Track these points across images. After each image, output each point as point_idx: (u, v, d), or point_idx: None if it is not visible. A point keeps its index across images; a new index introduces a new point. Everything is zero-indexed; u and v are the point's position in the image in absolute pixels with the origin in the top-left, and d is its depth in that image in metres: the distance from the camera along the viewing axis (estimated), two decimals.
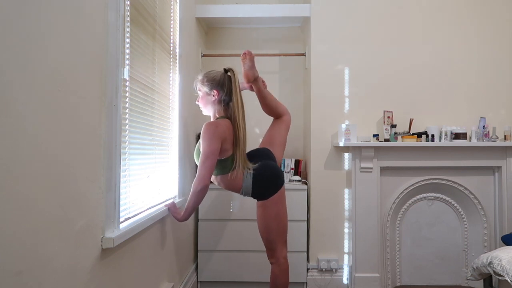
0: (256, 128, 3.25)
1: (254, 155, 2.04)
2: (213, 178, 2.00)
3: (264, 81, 2.19)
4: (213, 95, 1.96)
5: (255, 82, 2.11)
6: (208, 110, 2.03)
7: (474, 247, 2.83)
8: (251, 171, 1.94)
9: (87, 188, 1.18)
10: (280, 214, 1.97)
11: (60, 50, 1.03)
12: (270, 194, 1.95)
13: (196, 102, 2.08)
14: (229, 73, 1.99)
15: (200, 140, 1.86)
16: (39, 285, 0.94)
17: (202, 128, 1.85)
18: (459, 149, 2.74)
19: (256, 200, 2.01)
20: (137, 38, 1.65)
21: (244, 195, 2.00)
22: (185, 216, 1.91)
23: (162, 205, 1.97)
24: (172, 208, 1.96)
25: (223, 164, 1.92)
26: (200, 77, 2.01)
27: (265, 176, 1.95)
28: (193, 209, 1.90)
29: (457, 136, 2.71)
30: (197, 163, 1.92)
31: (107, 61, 1.32)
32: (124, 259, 1.47)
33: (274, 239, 1.98)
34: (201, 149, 1.85)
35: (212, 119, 2.03)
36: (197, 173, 1.83)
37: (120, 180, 1.39)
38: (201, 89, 2.01)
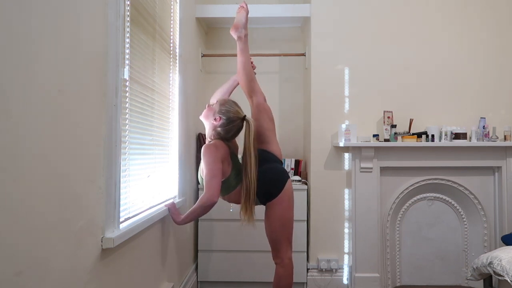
0: None
1: None
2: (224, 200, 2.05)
3: (253, 62, 2.22)
4: (215, 119, 1.96)
5: (239, 39, 2.10)
6: (206, 124, 2.05)
7: (474, 247, 2.83)
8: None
9: (87, 188, 1.18)
10: (284, 214, 1.97)
11: (60, 50, 1.03)
12: (273, 196, 1.95)
13: (206, 105, 2.07)
14: (245, 121, 1.97)
15: (202, 163, 1.87)
16: (39, 285, 0.94)
17: (202, 150, 1.86)
18: (459, 149, 2.74)
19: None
20: (137, 38, 1.65)
21: (255, 205, 2.00)
22: (184, 221, 1.93)
23: (162, 205, 1.97)
24: (172, 209, 1.96)
25: (225, 185, 1.94)
26: (224, 99, 2.04)
27: (264, 183, 1.94)
28: (194, 219, 1.95)
29: (457, 136, 2.71)
30: (201, 183, 1.95)
31: (107, 61, 1.32)
32: (124, 259, 1.47)
33: (278, 239, 1.98)
34: (204, 167, 1.85)
35: (207, 136, 2.05)
36: (205, 190, 1.83)
37: (120, 180, 1.39)
38: (210, 106, 2.03)
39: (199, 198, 1.86)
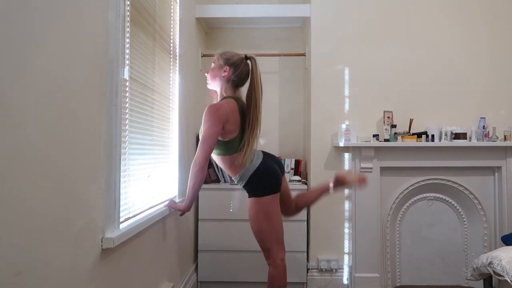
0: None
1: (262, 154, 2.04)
2: (214, 157, 2.00)
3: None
4: (225, 71, 1.96)
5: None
6: (214, 85, 2.02)
7: (474, 247, 2.83)
8: (258, 162, 1.93)
9: (87, 188, 1.18)
10: (272, 215, 1.93)
11: (60, 51, 1.03)
12: (264, 194, 1.92)
13: (205, 74, 2.07)
14: (249, 60, 1.99)
15: (203, 120, 1.85)
16: (39, 285, 0.94)
17: (204, 111, 1.84)
18: (459, 149, 2.74)
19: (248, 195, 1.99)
20: (137, 38, 1.65)
21: (237, 182, 1.98)
22: (187, 204, 1.89)
23: (162, 205, 1.96)
24: (172, 204, 1.95)
25: (228, 145, 1.90)
26: (220, 51, 2.02)
27: (267, 174, 1.93)
28: (194, 195, 1.87)
29: (457, 136, 2.71)
30: None
31: (107, 61, 1.32)
32: (124, 259, 1.47)
33: (267, 239, 1.94)
34: (202, 129, 1.85)
35: (218, 96, 2.02)
36: (195, 158, 1.83)
37: (120, 180, 1.39)
38: (215, 62, 2.01)
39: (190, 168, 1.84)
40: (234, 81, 1.97)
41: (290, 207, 2.19)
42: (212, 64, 2.02)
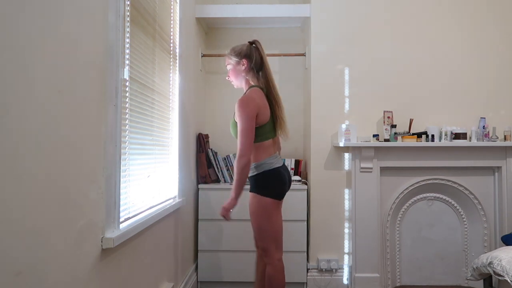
0: None
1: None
2: None
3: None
4: (243, 64, 2.02)
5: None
6: (240, 81, 2.08)
7: (474, 247, 2.83)
8: (277, 165, 1.97)
9: (87, 188, 1.18)
10: (272, 216, 1.95)
11: (60, 51, 1.03)
12: (265, 194, 1.92)
13: (227, 78, 2.12)
14: (254, 45, 2.06)
15: (236, 114, 1.91)
16: (39, 285, 0.94)
17: (236, 104, 1.90)
18: (459, 149, 2.74)
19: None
20: (137, 38, 1.65)
21: (251, 170, 1.96)
22: (235, 197, 1.91)
23: (162, 205, 1.96)
24: (224, 208, 1.94)
25: (260, 131, 1.95)
26: (227, 51, 2.08)
27: (277, 180, 1.95)
28: (241, 187, 1.90)
29: (457, 136, 2.71)
30: (233, 134, 2.01)
31: (107, 61, 1.32)
32: (124, 259, 1.47)
33: (265, 238, 1.96)
34: (237, 123, 1.90)
35: (244, 88, 2.07)
36: (238, 151, 1.88)
37: (120, 180, 1.39)
38: (230, 63, 2.06)
39: (234, 163, 1.90)
40: (253, 69, 2.03)
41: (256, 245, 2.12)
42: (228, 66, 2.08)
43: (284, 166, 2.05)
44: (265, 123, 1.96)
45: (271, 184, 1.94)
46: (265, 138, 1.97)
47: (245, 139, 1.86)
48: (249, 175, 1.99)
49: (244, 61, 2.01)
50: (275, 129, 2.04)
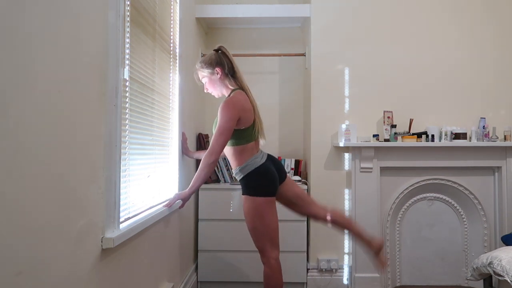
0: None
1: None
2: (227, 148, 2.03)
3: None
4: (217, 73, 2.02)
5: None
6: (219, 90, 2.08)
7: (474, 247, 2.83)
8: (261, 162, 1.97)
9: (87, 188, 1.18)
10: (265, 216, 1.94)
11: (60, 51, 1.03)
12: (257, 194, 1.93)
13: (205, 91, 2.13)
14: (220, 51, 2.06)
15: (218, 115, 1.92)
16: (39, 285, 0.94)
17: (221, 105, 1.91)
18: (459, 149, 2.74)
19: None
20: (137, 38, 1.65)
21: (235, 174, 2.02)
22: (192, 190, 1.95)
23: (162, 205, 1.96)
24: (175, 197, 1.96)
25: (242, 134, 1.96)
26: (197, 66, 2.08)
27: (265, 176, 1.96)
28: (199, 185, 1.95)
29: (457, 136, 2.71)
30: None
31: (107, 61, 1.32)
32: (124, 259, 1.47)
33: (260, 239, 1.97)
34: (218, 121, 1.91)
35: (226, 94, 2.07)
36: (209, 147, 1.89)
37: (120, 180, 1.39)
38: (204, 75, 2.07)
39: (202, 158, 1.91)
40: (227, 74, 2.03)
41: (311, 212, 2.15)
42: (204, 79, 2.09)
43: (269, 158, 2.04)
44: (249, 125, 1.97)
45: (260, 183, 1.95)
46: (249, 140, 1.98)
47: (221, 138, 1.88)
48: (238, 178, 2.02)
49: (218, 69, 2.01)
50: (258, 131, 2.03)
